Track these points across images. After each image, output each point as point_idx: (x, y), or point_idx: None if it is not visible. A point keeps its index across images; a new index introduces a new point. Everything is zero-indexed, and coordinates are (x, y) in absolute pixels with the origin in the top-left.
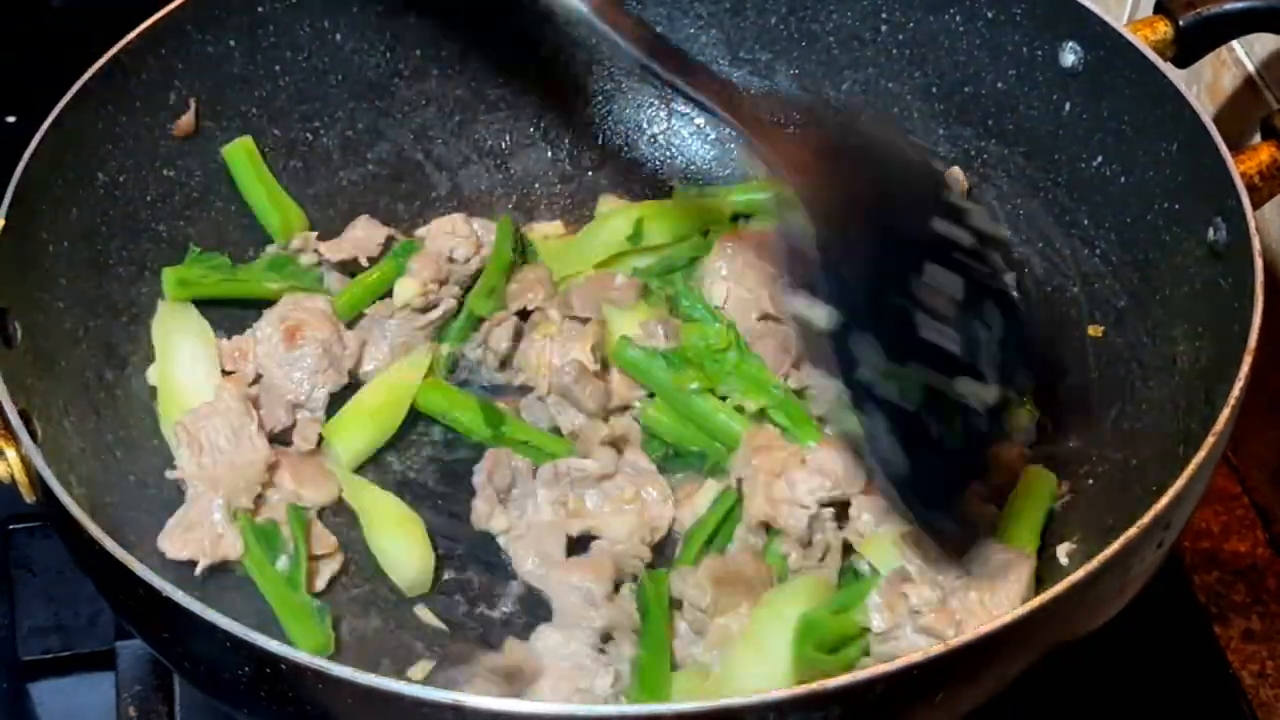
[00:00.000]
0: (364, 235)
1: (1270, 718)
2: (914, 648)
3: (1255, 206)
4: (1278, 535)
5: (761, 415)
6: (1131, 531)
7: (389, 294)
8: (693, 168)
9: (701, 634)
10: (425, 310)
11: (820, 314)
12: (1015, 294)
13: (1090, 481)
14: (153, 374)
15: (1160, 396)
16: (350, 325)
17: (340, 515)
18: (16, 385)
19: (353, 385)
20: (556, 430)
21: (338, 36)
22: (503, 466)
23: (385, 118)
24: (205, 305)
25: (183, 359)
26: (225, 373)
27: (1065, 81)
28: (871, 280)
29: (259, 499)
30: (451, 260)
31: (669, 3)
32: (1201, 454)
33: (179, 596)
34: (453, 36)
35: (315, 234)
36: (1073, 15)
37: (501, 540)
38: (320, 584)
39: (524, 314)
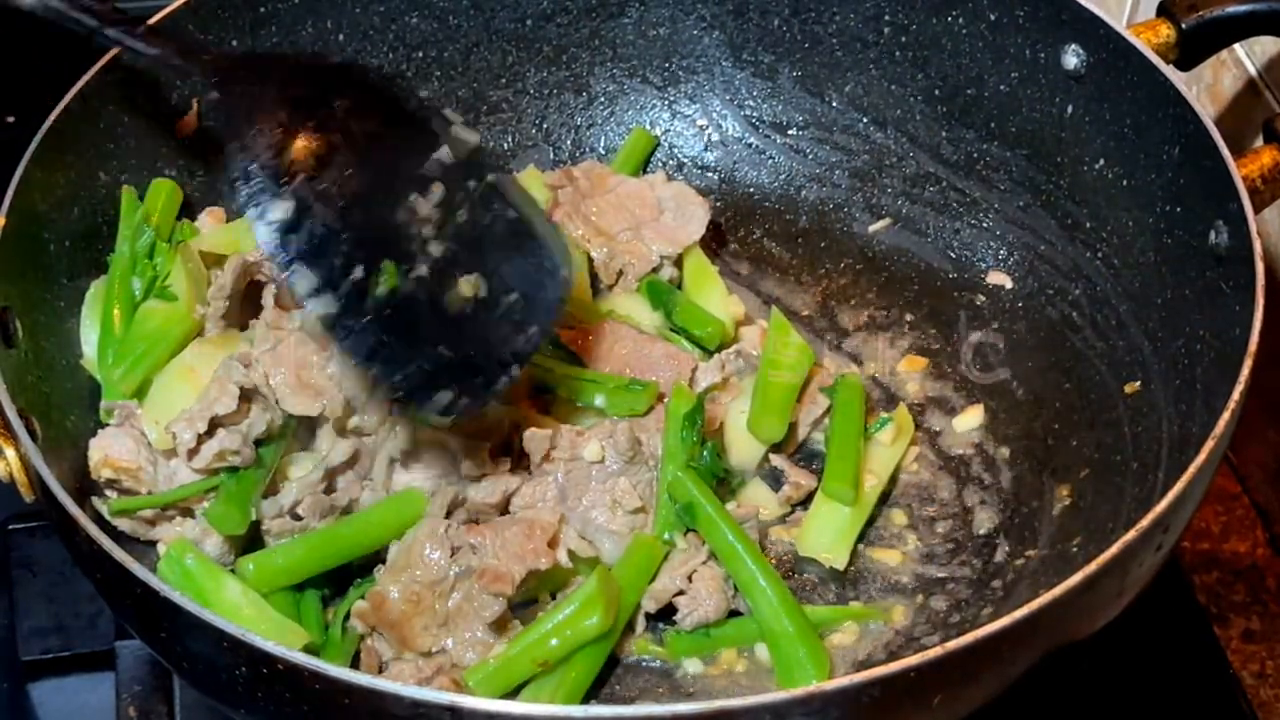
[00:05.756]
0: None
1: (1270, 718)
2: None
3: (1257, 210)
4: (1278, 535)
5: None
6: (1129, 535)
7: None
8: (695, 167)
9: None
10: None
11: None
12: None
13: (1090, 484)
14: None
15: (1161, 399)
16: None
17: None
18: (16, 385)
19: None
20: None
21: (340, 37)
22: None
23: None
24: None
25: None
26: None
27: (1067, 84)
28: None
29: None
30: None
31: (672, 4)
32: (1201, 458)
33: (177, 597)
34: (455, 38)
35: None
36: (1075, 18)
37: None
38: None
39: None
